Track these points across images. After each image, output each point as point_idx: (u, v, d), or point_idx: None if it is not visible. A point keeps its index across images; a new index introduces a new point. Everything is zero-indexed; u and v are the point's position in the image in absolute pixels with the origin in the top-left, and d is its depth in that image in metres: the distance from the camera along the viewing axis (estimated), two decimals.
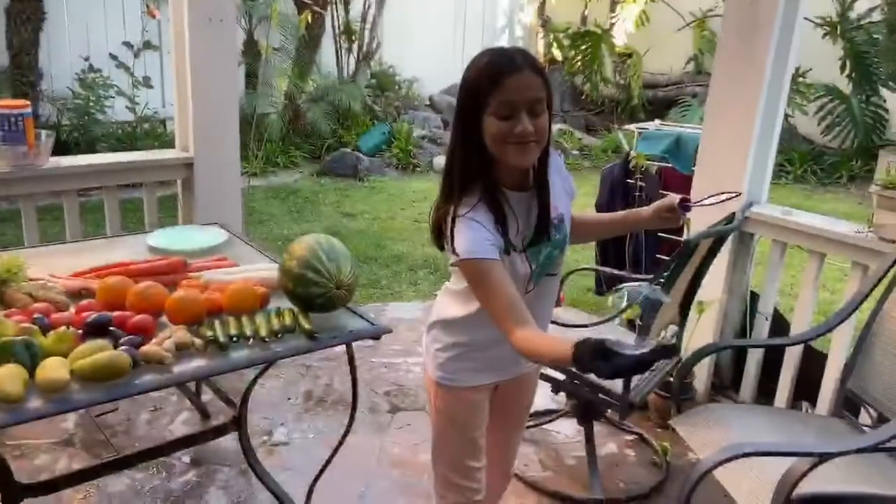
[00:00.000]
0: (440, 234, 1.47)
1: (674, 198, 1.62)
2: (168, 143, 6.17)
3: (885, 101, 7.25)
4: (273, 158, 7.16)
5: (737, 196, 1.78)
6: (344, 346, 1.89)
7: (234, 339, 1.69)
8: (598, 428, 2.69)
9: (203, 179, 3.05)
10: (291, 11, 7.29)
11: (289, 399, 2.97)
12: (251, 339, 1.72)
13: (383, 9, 8.12)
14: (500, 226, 1.42)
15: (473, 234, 1.38)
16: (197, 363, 1.63)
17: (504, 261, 1.44)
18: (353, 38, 8.03)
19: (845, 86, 7.28)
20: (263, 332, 1.73)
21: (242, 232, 3.22)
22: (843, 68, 7.22)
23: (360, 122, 7.90)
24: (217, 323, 1.74)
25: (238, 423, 2.13)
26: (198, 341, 1.67)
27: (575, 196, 1.65)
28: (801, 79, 6.90)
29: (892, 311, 2.04)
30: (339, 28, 7.92)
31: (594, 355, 1.16)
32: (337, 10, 7.85)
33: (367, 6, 7.98)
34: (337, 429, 2.70)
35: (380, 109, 8.16)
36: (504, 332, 1.34)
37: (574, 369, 1.22)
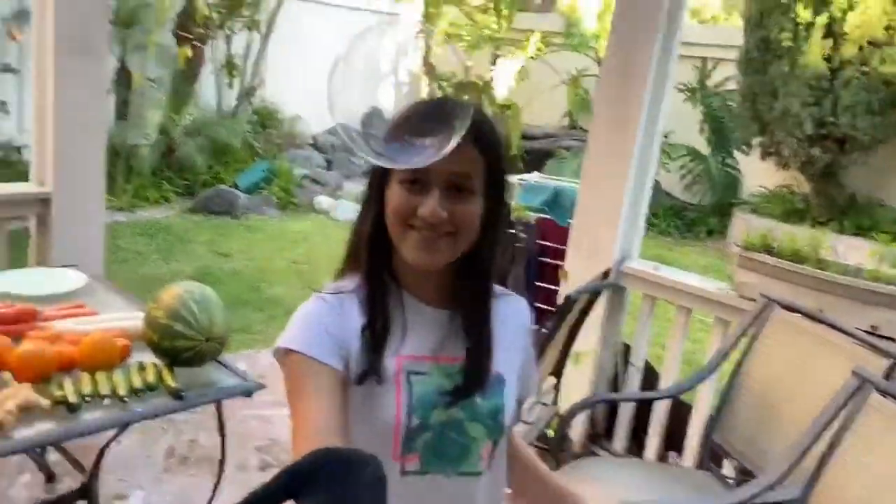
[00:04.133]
0: None
1: None
2: (23, 172, 5.69)
3: (738, 163, 7.90)
4: (143, 193, 6.79)
5: None
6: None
7: (88, 398, 1.54)
8: None
9: (61, 216, 2.80)
10: (170, 41, 7.02)
11: (148, 457, 2.74)
12: (107, 399, 1.56)
13: (267, 45, 7.99)
14: (371, 330, 0.98)
15: (310, 319, 0.98)
16: (43, 427, 1.46)
17: (351, 389, 0.96)
18: (235, 73, 7.84)
19: (704, 147, 7.89)
20: (122, 391, 1.58)
21: (103, 273, 2.99)
22: (701, 131, 7.84)
23: (239, 159, 7.67)
24: (69, 380, 1.57)
25: (86, 493, 1.93)
26: (45, 401, 1.50)
27: (533, 381, 1.16)
28: (665, 139, 7.41)
29: (751, 368, 2.15)
30: (220, 62, 7.71)
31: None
32: (218, 45, 7.65)
33: (250, 43, 7.83)
34: (201, 490, 2.52)
35: (260, 146, 7.96)
36: None
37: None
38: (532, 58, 8.43)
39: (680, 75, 7.34)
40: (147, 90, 6.65)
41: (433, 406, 0.98)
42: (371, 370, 0.96)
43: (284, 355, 0.96)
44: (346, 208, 7.33)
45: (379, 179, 0.99)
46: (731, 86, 7.62)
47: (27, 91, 5.96)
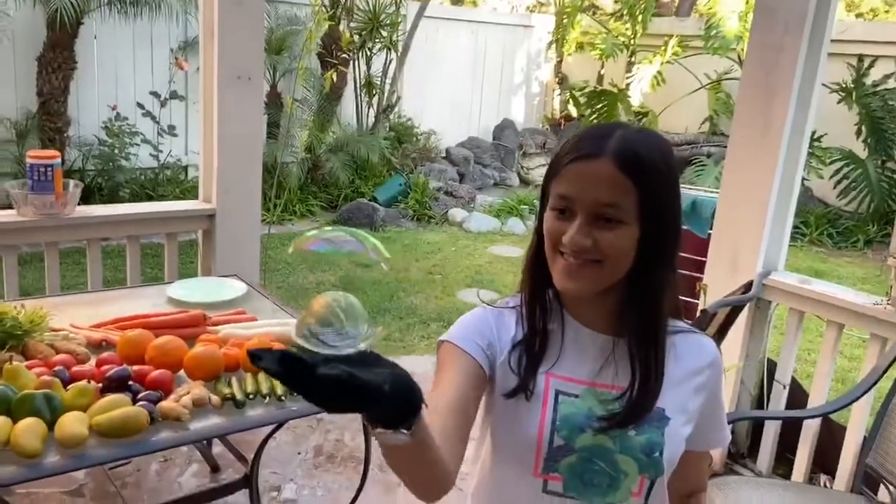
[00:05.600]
0: None
1: None
2: (189, 190, 6.27)
3: None
4: (291, 207, 7.25)
5: None
6: None
7: (251, 396, 1.70)
8: None
9: (224, 230, 3.09)
10: (315, 65, 7.48)
11: (298, 454, 2.94)
12: (267, 397, 1.72)
13: (404, 64, 8.30)
14: (528, 346, 1.01)
15: (467, 320, 1.06)
16: (213, 421, 1.63)
17: (499, 399, 1.01)
18: (374, 92, 8.21)
19: (861, 150, 7.33)
20: (279, 391, 1.73)
21: (259, 282, 3.26)
22: (858, 133, 7.28)
23: (377, 173, 8.00)
24: (234, 380, 1.75)
25: (249, 482, 2.12)
26: (214, 398, 1.67)
27: (721, 433, 1.14)
28: (816, 143, 6.96)
29: None
30: (360, 82, 8.10)
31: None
32: (359, 66, 8.04)
33: (388, 62, 8.17)
34: (346, 486, 2.69)
35: (397, 161, 8.27)
36: None
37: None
38: (668, 62, 8.21)
39: (833, 74, 6.89)
40: (295, 111, 7.11)
41: (580, 429, 0.98)
42: (522, 386, 0.99)
43: (440, 346, 1.04)
44: (478, 220, 7.46)
45: (541, 207, 1.02)
46: (892, 83, 7.04)
47: (192, 116, 6.57)
